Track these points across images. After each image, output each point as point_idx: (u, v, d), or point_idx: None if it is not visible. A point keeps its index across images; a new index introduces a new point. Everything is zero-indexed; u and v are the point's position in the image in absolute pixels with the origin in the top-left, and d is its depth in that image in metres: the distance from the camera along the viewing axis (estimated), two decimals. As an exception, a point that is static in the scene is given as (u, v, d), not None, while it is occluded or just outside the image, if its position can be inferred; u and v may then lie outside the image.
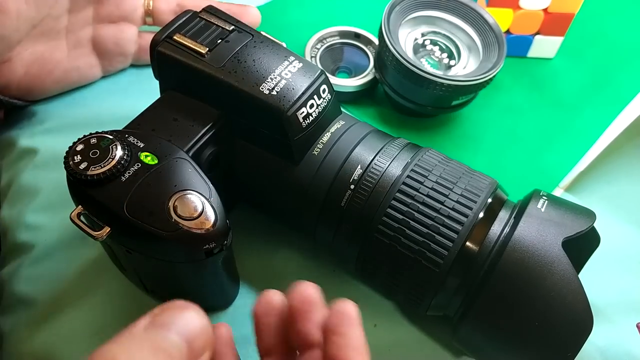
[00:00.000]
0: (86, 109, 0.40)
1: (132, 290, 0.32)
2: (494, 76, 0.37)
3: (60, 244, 0.34)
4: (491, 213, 0.27)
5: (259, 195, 0.32)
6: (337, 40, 0.44)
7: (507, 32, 0.44)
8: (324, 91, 0.29)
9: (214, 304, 0.32)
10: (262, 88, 0.27)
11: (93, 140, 0.25)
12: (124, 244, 0.26)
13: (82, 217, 0.25)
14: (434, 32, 0.41)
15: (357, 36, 0.44)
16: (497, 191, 0.28)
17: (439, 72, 0.36)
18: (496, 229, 0.26)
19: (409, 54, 0.39)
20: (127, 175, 0.24)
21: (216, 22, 0.29)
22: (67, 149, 0.25)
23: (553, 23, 0.43)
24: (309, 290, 0.21)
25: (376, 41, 0.42)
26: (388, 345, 0.31)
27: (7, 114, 0.41)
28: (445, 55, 0.40)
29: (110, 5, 0.39)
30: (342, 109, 0.32)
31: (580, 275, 0.24)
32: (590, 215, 0.26)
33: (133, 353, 0.16)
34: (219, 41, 0.28)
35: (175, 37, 0.28)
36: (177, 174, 0.25)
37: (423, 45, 0.40)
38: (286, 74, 0.28)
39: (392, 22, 0.37)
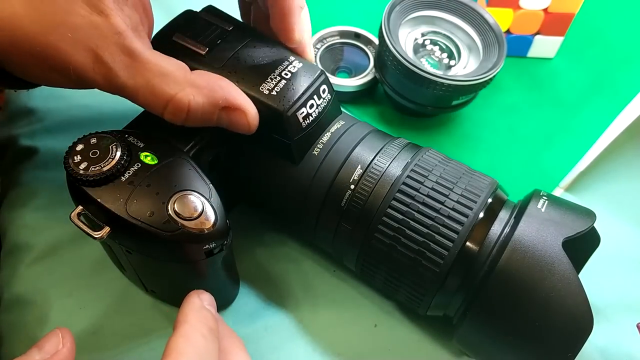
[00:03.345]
0: (86, 109, 0.40)
1: (132, 290, 0.32)
2: (494, 76, 0.37)
3: (60, 244, 0.34)
4: (491, 213, 0.27)
5: (259, 195, 0.32)
6: (337, 40, 0.44)
7: (507, 32, 0.44)
8: (324, 91, 0.29)
9: (214, 304, 0.32)
10: (261, 88, 0.27)
11: (93, 140, 0.25)
12: (124, 244, 0.26)
13: (82, 217, 0.25)
14: (434, 32, 0.40)
15: (357, 36, 0.44)
16: (497, 191, 0.28)
17: (439, 72, 0.36)
18: (496, 229, 0.26)
19: (409, 53, 0.39)
20: (127, 175, 0.24)
21: (216, 22, 0.29)
22: (67, 149, 0.25)
23: (553, 23, 0.43)
24: None
25: (376, 41, 0.42)
26: (388, 345, 0.31)
27: (7, 113, 0.41)
28: (445, 55, 0.40)
29: None
30: (342, 109, 0.32)
31: (580, 275, 0.24)
32: (590, 215, 0.26)
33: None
34: (218, 41, 0.28)
35: (174, 38, 0.28)
36: (177, 174, 0.25)
37: (423, 45, 0.40)
38: (286, 74, 0.28)
39: (392, 22, 0.37)
